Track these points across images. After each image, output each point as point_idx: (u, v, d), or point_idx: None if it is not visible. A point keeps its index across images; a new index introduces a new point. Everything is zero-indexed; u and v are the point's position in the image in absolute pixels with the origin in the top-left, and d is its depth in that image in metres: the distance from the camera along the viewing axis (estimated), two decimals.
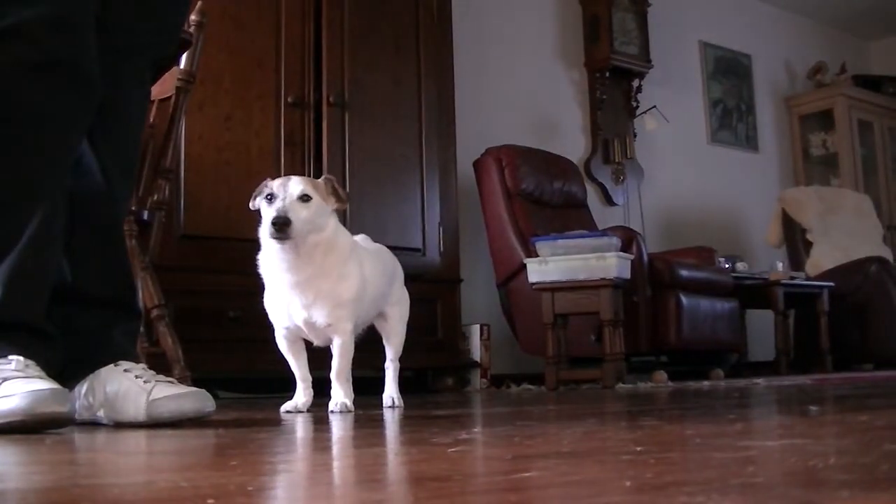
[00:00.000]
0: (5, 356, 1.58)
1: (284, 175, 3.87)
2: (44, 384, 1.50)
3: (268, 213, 2.03)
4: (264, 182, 2.10)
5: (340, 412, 2.14)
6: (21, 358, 1.58)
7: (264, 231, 2.06)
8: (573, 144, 5.98)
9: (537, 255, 4.06)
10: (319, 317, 2.13)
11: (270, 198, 2.04)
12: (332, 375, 2.21)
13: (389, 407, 2.40)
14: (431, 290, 4.30)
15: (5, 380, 1.51)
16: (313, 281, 2.11)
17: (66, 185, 1.74)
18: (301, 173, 3.94)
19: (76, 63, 1.66)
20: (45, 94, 1.64)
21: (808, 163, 7.81)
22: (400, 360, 2.54)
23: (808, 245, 6.59)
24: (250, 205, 2.13)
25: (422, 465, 0.92)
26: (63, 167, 1.72)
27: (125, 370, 1.70)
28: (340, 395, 2.19)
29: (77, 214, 1.77)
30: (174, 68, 3.09)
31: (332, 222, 2.14)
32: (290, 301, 2.14)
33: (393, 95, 4.36)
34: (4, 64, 1.61)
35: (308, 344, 2.29)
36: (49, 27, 1.62)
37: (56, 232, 1.71)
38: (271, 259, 2.13)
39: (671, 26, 6.75)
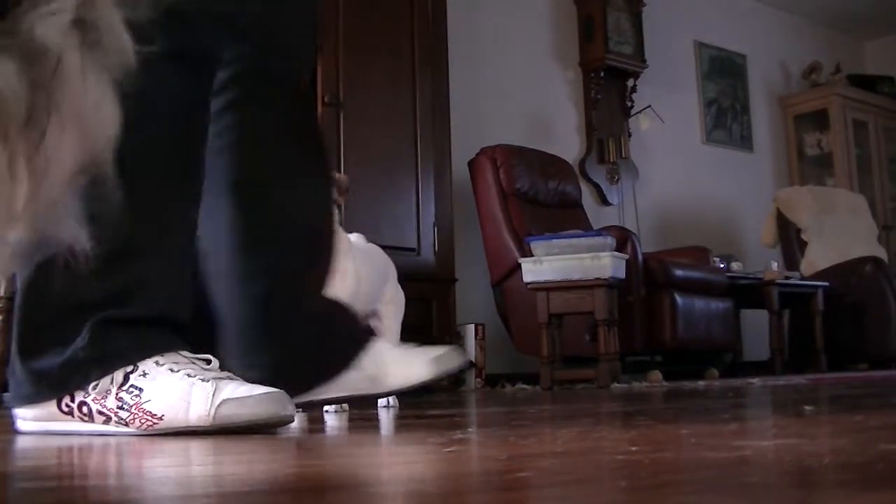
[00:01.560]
0: (195, 355, 1.54)
1: None
2: (263, 388, 1.44)
3: None
4: None
5: (335, 412, 2.14)
6: (216, 360, 1.53)
7: None
8: (568, 144, 5.99)
9: (532, 255, 4.07)
10: None
11: None
12: None
13: (384, 407, 2.40)
14: (426, 289, 4.30)
15: (216, 379, 1.45)
16: None
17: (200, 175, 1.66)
18: None
19: (196, 54, 1.60)
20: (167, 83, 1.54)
21: (802, 162, 7.82)
22: None
23: (803, 245, 6.60)
24: None
25: (416, 465, 0.92)
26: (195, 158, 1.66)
27: None
28: None
29: None
30: None
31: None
32: None
33: (388, 95, 4.36)
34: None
35: None
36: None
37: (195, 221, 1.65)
38: None
39: (666, 26, 6.76)
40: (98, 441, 1.38)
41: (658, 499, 0.63)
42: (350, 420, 1.88)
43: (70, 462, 1.12)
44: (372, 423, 1.81)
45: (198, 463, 1.05)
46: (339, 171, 4.07)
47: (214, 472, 0.94)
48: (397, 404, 2.44)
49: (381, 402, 2.44)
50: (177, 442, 1.33)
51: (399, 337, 2.53)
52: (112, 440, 1.39)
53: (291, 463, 1.04)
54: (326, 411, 2.15)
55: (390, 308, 2.45)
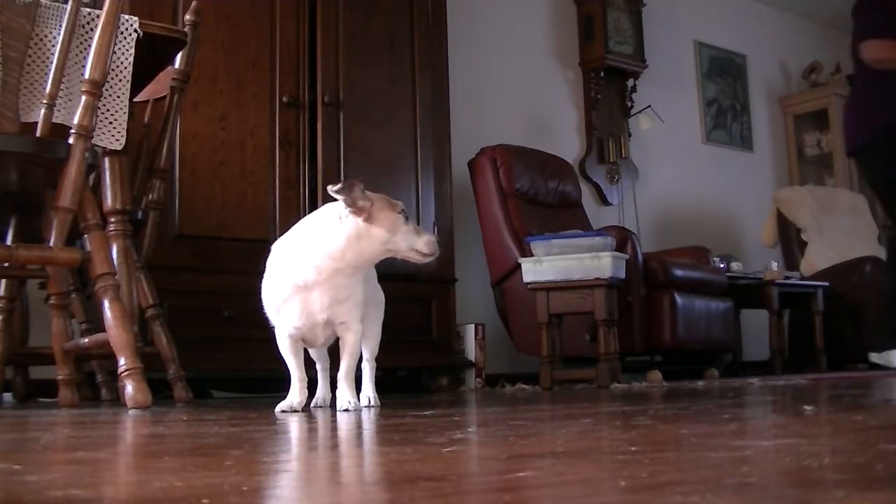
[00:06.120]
0: None
1: (281, 174, 3.87)
2: None
3: (412, 230, 2.15)
4: (364, 192, 2.11)
5: (347, 411, 2.15)
6: None
7: (404, 242, 2.13)
8: (568, 144, 5.99)
9: (532, 255, 4.06)
10: (340, 314, 2.18)
11: (405, 214, 2.15)
12: (341, 375, 2.23)
13: (366, 406, 2.40)
14: (426, 289, 4.30)
15: None
16: (345, 283, 2.16)
17: None
18: (296, 173, 3.95)
19: None
20: None
21: (802, 162, 7.82)
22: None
23: (803, 245, 6.60)
24: (350, 201, 2.10)
25: (416, 465, 0.92)
26: None
27: None
28: (348, 394, 2.22)
29: None
30: (169, 68, 3.10)
31: None
32: (315, 300, 2.15)
33: (388, 95, 4.36)
34: None
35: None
36: None
37: None
38: (329, 259, 2.11)
39: (666, 26, 6.76)
40: None
41: (658, 499, 0.64)
42: (350, 419, 1.88)
43: None
44: (371, 422, 1.81)
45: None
46: (339, 172, 4.07)
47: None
48: (378, 403, 2.44)
49: (363, 401, 2.44)
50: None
51: (380, 337, 2.53)
52: None
53: (289, 460, 1.04)
54: (346, 410, 2.16)
55: (371, 309, 2.45)
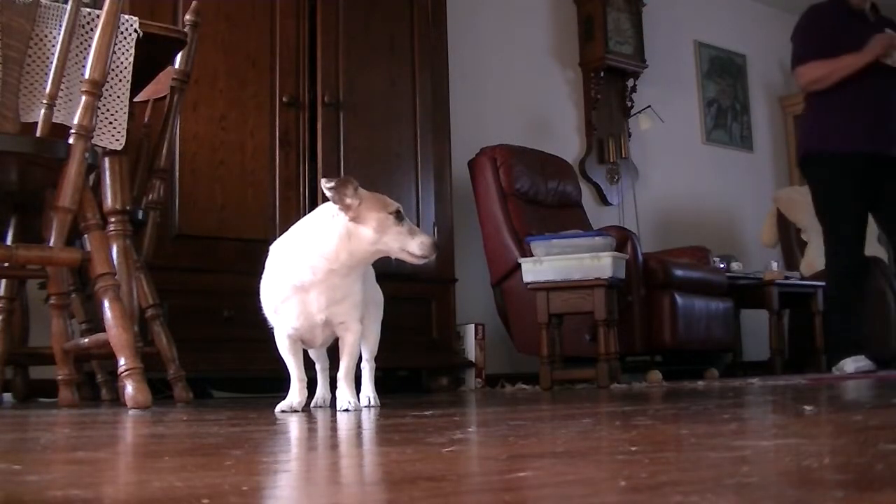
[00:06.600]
0: None
1: (281, 174, 3.87)
2: None
3: (406, 231, 2.10)
4: (355, 190, 2.09)
5: (347, 411, 2.15)
6: None
7: (395, 243, 2.09)
8: (568, 144, 5.99)
9: (532, 255, 4.06)
10: (338, 314, 2.18)
11: (398, 215, 2.10)
12: (341, 375, 2.23)
13: (366, 406, 2.40)
14: (426, 290, 4.30)
15: None
16: (340, 283, 2.15)
17: None
18: (296, 173, 3.95)
19: None
20: None
21: None
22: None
23: (803, 245, 6.60)
24: (341, 198, 2.08)
25: (416, 465, 0.92)
26: None
27: None
28: (348, 394, 2.22)
29: None
30: (169, 68, 3.10)
31: None
32: (312, 300, 2.15)
33: (388, 95, 4.36)
34: None
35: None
36: None
37: None
38: (324, 259, 2.10)
39: (666, 26, 6.76)
40: None
41: (658, 499, 0.64)
42: (350, 419, 1.88)
43: None
44: (371, 422, 1.81)
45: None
46: (339, 173, 4.07)
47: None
48: (378, 403, 2.44)
49: (363, 401, 2.44)
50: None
51: (379, 336, 2.53)
52: None
53: (289, 460, 1.04)
54: (346, 410, 2.16)
55: (371, 308, 2.45)
